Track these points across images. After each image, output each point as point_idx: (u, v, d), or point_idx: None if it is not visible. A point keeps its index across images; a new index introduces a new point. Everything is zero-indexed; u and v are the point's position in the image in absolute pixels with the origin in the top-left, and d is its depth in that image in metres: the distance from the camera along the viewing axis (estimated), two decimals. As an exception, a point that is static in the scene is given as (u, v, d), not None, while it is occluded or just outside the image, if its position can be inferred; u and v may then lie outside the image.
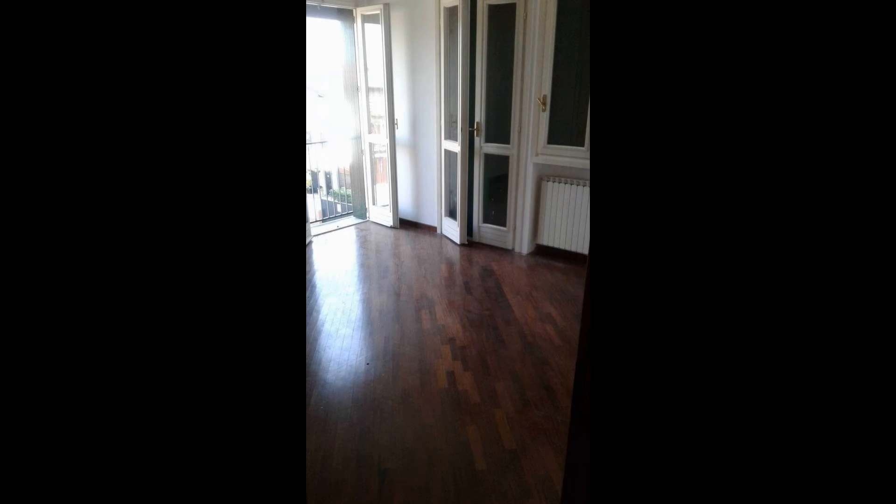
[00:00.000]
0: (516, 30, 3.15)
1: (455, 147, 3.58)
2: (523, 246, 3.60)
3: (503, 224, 3.68)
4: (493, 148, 3.55)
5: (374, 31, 3.84)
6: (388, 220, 4.30)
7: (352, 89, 4.21)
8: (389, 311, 2.72)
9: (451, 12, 3.39)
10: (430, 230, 4.15)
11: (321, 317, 2.65)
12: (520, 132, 3.35)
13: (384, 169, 4.27)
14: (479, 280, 3.15)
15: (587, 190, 3.17)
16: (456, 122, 3.56)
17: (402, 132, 4.08)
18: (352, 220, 4.55)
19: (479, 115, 3.52)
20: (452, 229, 3.87)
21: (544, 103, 3.16)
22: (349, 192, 4.74)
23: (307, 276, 3.24)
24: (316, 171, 6.28)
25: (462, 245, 3.78)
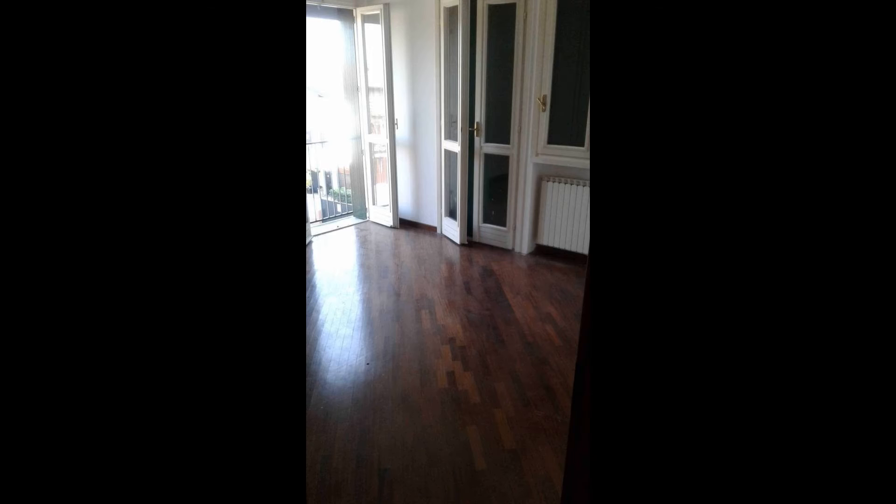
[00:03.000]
0: (516, 30, 3.14)
1: (455, 147, 3.59)
2: (523, 246, 3.59)
3: (503, 224, 3.68)
4: (493, 148, 3.56)
5: (374, 31, 3.84)
6: (388, 220, 4.30)
7: (352, 89, 4.21)
8: (389, 311, 2.72)
9: (451, 12, 3.39)
10: (430, 230, 4.14)
11: (321, 317, 2.65)
12: (520, 132, 3.35)
13: (384, 169, 4.28)
14: (479, 280, 3.15)
15: (587, 190, 3.17)
16: (456, 122, 3.56)
17: (402, 132, 4.09)
18: (352, 220, 4.55)
19: (479, 115, 3.52)
20: (452, 229, 3.87)
21: (544, 103, 3.16)
22: (349, 192, 4.73)
23: (307, 277, 3.24)
24: (316, 170, 6.26)
25: (462, 245, 3.78)
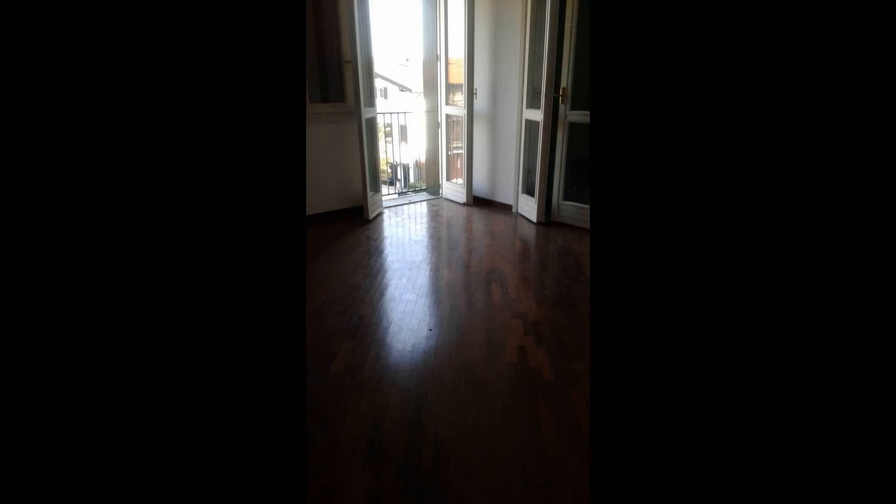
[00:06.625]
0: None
1: (537, 116, 3.30)
2: (609, 226, 3.22)
3: (587, 201, 3.33)
4: (580, 116, 3.22)
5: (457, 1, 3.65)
6: (461, 196, 4.11)
7: (431, 60, 4.07)
8: (457, 281, 2.52)
9: (542, -34, 3.10)
10: (505, 208, 3.90)
11: (385, 280, 2.52)
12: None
13: (461, 164, 4.08)
14: (556, 258, 2.85)
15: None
16: (540, 90, 3.27)
17: (481, 103, 3.86)
18: (424, 196, 4.43)
19: (566, 80, 3.20)
20: (529, 207, 3.58)
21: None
22: (424, 185, 4.62)
23: (375, 242, 3.15)
24: (395, 163, 6.30)
25: (539, 224, 3.49)
